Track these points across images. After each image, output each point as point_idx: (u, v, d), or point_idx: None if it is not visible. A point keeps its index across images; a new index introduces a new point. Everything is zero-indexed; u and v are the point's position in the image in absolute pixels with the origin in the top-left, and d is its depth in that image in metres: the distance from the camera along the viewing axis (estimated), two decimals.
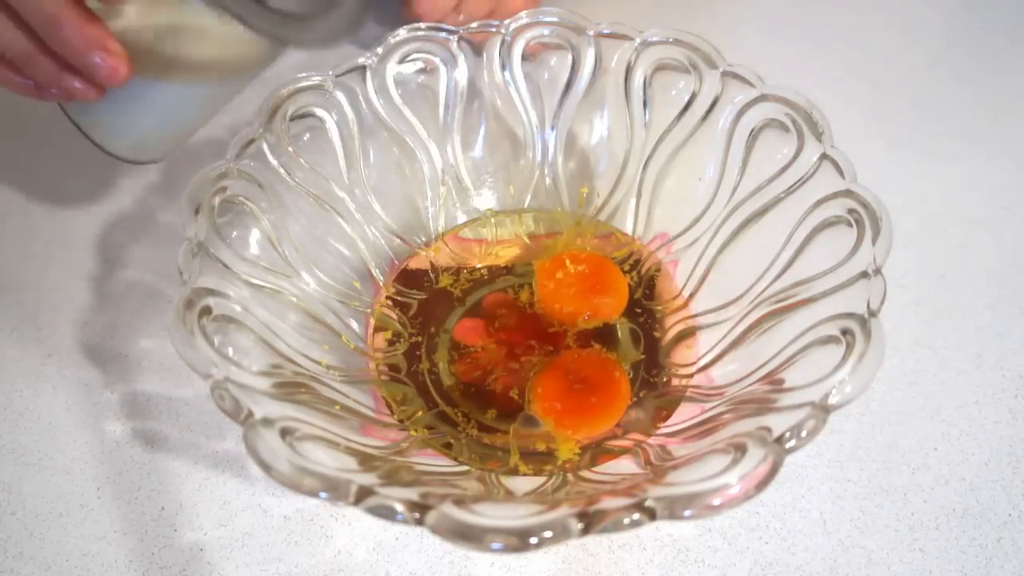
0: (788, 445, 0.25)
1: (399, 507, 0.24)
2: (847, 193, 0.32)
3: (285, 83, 0.38)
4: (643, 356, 0.38)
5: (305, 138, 0.39)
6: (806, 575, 0.33)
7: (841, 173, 0.33)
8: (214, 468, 0.37)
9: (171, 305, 0.29)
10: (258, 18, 0.29)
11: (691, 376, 0.36)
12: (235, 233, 0.35)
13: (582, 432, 0.34)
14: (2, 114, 0.54)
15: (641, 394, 0.37)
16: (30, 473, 0.37)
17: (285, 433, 0.26)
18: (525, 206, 0.45)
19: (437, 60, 0.42)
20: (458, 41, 0.42)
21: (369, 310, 0.40)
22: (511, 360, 0.38)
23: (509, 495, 0.31)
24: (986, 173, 0.49)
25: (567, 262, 0.40)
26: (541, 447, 0.35)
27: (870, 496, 0.35)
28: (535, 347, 0.38)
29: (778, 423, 0.26)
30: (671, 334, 0.39)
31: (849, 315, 0.29)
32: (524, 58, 0.42)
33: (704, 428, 0.31)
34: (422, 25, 0.41)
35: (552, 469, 0.33)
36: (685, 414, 0.34)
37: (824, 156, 0.34)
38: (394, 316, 0.41)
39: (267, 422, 0.26)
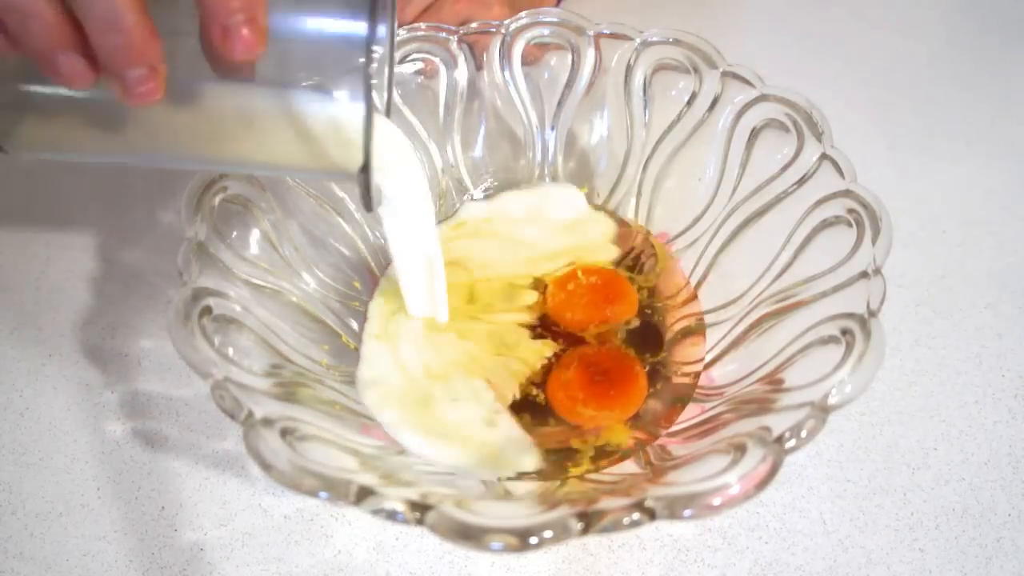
0: (788, 445, 0.25)
1: (399, 507, 0.24)
2: (847, 193, 0.32)
3: None
4: (663, 352, 0.38)
5: None
6: (806, 575, 0.33)
7: (841, 173, 0.33)
8: (214, 468, 0.37)
9: (171, 305, 0.29)
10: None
11: (694, 374, 0.36)
12: (235, 233, 0.35)
13: (599, 420, 0.35)
14: None
15: (658, 385, 0.36)
16: (30, 473, 0.37)
17: (285, 433, 0.26)
18: None
19: (437, 60, 0.42)
20: (458, 42, 0.42)
21: None
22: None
23: (509, 495, 0.31)
24: (986, 173, 0.49)
25: (579, 274, 0.40)
26: (576, 444, 0.34)
27: (870, 496, 0.35)
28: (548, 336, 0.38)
29: (778, 423, 0.26)
30: (675, 330, 0.39)
31: (849, 315, 0.29)
32: (525, 62, 0.42)
33: (704, 428, 0.31)
34: (422, 25, 0.41)
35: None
36: (685, 414, 0.34)
37: (824, 156, 0.34)
38: None
39: (267, 422, 0.26)
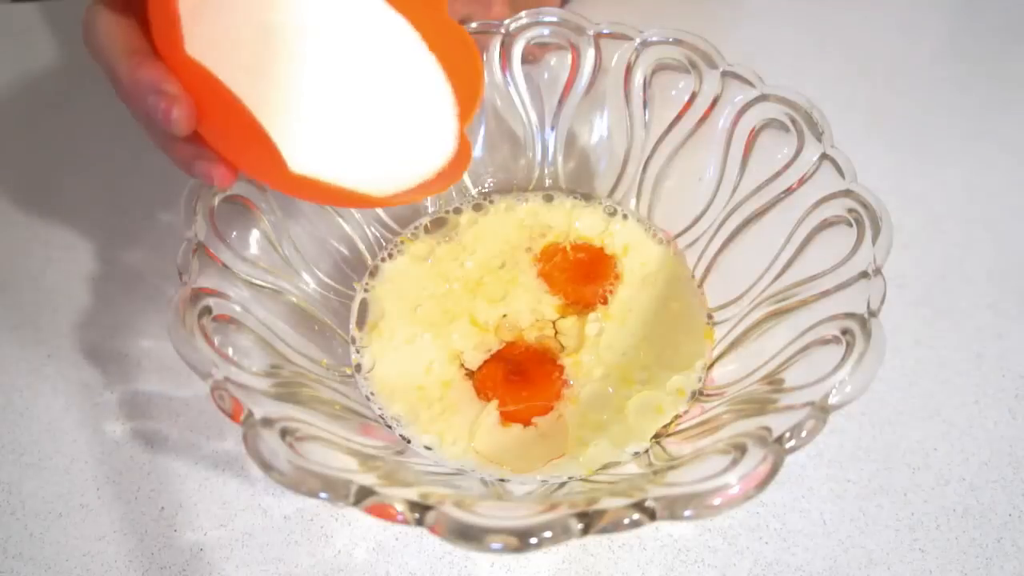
0: (788, 445, 0.25)
1: (399, 507, 0.24)
2: (847, 193, 0.32)
3: None
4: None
5: None
6: (806, 575, 0.33)
7: (841, 173, 0.33)
8: (214, 468, 0.37)
9: (171, 305, 0.29)
10: None
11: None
12: (235, 233, 0.35)
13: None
14: (2, 114, 0.54)
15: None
16: (30, 473, 0.37)
17: (285, 433, 0.26)
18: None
19: None
20: None
21: None
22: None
23: (509, 495, 0.31)
24: (986, 173, 0.49)
25: (567, 248, 0.41)
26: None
27: (870, 496, 0.35)
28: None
29: (778, 423, 0.26)
30: None
31: (849, 315, 0.29)
32: (525, 61, 0.42)
33: (704, 428, 0.31)
34: None
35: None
36: (685, 414, 0.34)
37: (824, 156, 0.34)
38: None
39: (267, 422, 0.26)
